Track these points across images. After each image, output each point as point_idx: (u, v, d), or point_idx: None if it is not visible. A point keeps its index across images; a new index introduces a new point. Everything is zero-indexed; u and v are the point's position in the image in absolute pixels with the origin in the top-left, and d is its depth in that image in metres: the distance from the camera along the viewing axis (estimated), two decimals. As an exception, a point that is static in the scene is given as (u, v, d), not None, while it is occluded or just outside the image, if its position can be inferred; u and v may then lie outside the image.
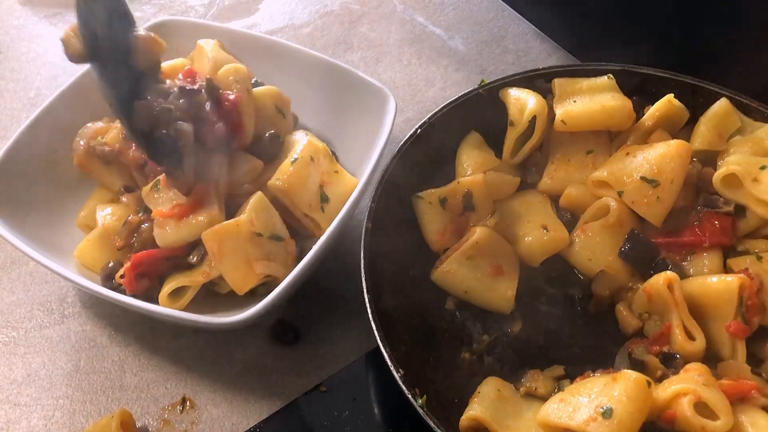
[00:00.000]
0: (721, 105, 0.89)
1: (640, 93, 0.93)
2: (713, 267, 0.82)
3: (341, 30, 1.34)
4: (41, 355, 0.91)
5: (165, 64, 1.00)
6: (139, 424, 0.84)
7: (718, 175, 0.84)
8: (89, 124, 0.98)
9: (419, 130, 0.90)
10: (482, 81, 0.93)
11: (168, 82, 0.90)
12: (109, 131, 0.96)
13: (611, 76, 0.92)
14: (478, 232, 0.85)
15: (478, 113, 0.94)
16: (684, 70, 0.93)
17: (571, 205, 0.90)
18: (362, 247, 0.80)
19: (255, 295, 0.84)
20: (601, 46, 1.21)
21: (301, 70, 1.04)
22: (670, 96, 0.90)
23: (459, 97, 0.93)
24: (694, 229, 0.84)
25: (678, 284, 0.77)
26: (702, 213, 0.85)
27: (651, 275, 0.82)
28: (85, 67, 1.02)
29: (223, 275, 0.84)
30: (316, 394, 0.87)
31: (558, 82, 0.92)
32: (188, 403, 0.86)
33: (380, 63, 1.27)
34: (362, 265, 0.78)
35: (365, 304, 0.76)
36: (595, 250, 0.85)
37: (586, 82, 0.92)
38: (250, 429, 0.84)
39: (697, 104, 0.91)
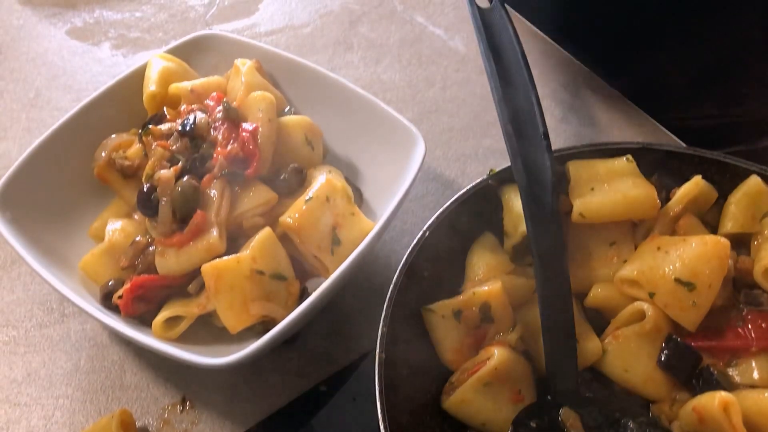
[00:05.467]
0: (752, 183, 0.82)
1: (661, 169, 0.86)
2: (764, 375, 0.73)
3: (341, 30, 1.34)
4: (41, 354, 0.91)
5: (199, 81, 0.99)
6: (139, 424, 0.84)
7: (759, 268, 0.75)
8: (114, 135, 0.96)
9: (427, 233, 0.81)
10: (491, 171, 0.86)
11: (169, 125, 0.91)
12: (132, 145, 0.95)
13: (630, 158, 0.84)
14: (497, 356, 0.74)
15: (488, 208, 0.86)
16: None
17: (599, 306, 0.81)
18: (377, 385, 0.70)
19: (252, 331, 0.83)
20: (602, 45, 1.21)
21: (339, 101, 1.00)
22: (697, 178, 0.82)
23: (467, 191, 0.85)
24: (738, 330, 0.76)
25: (736, 408, 0.68)
26: (745, 312, 0.76)
27: (694, 385, 0.74)
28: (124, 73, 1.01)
29: (217, 312, 0.82)
30: (316, 394, 0.87)
31: (573, 166, 0.84)
32: (188, 403, 0.87)
33: (380, 63, 1.28)
34: (378, 408, 0.69)
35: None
36: (630, 360, 0.76)
37: (603, 166, 0.83)
38: (250, 429, 0.84)
39: (723, 181, 0.84)
